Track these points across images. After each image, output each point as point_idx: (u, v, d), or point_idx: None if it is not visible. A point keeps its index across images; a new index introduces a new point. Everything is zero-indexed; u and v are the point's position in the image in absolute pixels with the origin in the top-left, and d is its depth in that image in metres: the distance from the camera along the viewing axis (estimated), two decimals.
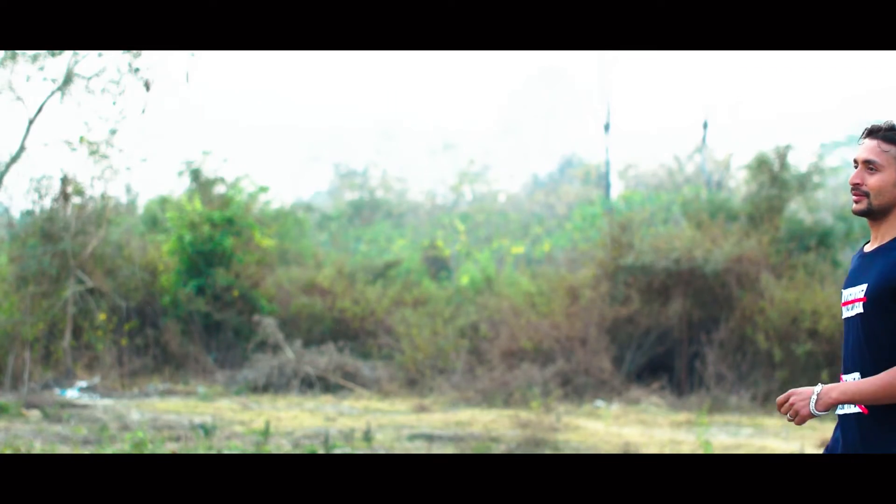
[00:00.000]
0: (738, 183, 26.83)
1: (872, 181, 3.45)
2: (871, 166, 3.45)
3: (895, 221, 3.48)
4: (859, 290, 3.44)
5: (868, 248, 3.56)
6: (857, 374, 3.40)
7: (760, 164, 17.40)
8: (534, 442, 11.29)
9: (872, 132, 3.49)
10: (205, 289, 18.70)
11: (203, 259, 18.85)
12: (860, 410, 3.36)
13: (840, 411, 3.45)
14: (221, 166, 20.70)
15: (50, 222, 16.45)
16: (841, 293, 3.61)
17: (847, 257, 17.58)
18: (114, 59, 15.20)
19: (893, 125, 3.48)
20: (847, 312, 3.50)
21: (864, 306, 3.39)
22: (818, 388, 3.35)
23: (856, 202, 3.49)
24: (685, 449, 11.03)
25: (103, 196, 17.12)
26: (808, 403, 3.32)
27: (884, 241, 3.49)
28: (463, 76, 77.54)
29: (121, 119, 15.79)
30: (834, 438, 3.48)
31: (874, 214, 3.49)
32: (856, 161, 3.50)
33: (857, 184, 3.47)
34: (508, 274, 21.24)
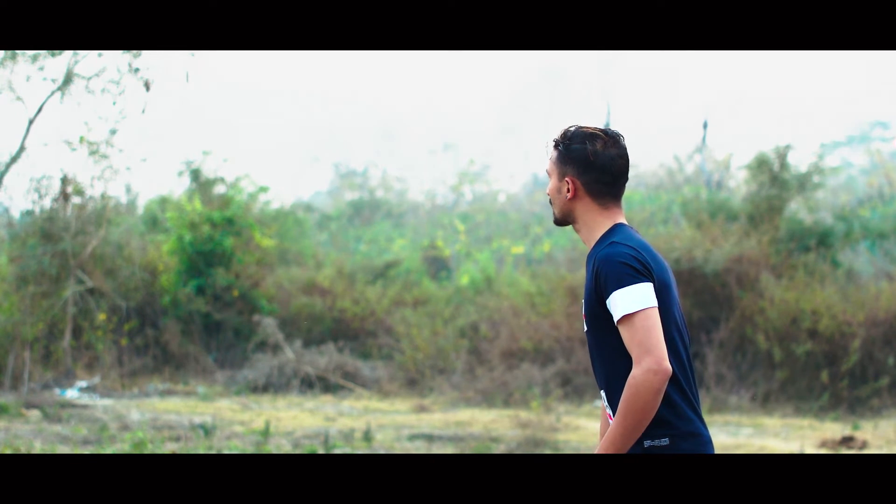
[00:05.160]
0: (738, 183, 26.81)
1: (548, 190, 3.46)
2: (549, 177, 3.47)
3: (586, 230, 3.43)
4: (581, 307, 3.44)
5: None
6: (604, 390, 3.41)
7: (760, 164, 17.40)
8: (534, 442, 11.29)
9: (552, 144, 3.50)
10: (205, 289, 18.70)
11: (203, 259, 18.84)
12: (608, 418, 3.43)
13: None
14: (221, 166, 20.71)
15: (50, 222, 16.44)
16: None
17: (847, 257, 17.59)
18: (114, 59, 15.21)
19: (565, 132, 3.43)
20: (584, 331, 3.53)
21: (587, 321, 3.39)
22: None
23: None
24: None
25: (103, 196, 17.12)
26: None
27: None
28: (463, 76, 77.53)
29: (121, 119, 15.80)
30: None
31: (563, 223, 3.48)
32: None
33: (548, 195, 3.48)
34: (508, 274, 21.22)
